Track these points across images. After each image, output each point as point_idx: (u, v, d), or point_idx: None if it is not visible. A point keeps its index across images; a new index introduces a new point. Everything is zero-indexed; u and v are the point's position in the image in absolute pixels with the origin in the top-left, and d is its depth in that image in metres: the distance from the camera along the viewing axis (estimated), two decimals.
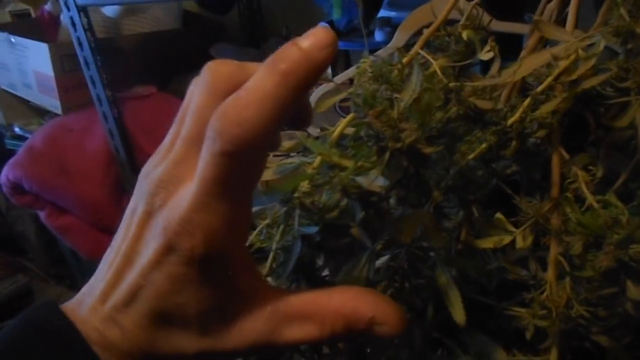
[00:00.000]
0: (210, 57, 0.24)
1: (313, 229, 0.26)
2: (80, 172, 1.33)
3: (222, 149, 0.19)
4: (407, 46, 0.31)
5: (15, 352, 0.21)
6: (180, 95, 0.27)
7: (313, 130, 0.37)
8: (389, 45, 0.79)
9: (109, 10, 1.30)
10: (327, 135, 0.29)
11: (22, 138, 1.42)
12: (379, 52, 0.72)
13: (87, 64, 1.21)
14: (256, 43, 1.49)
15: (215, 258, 0.21)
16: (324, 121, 0.33)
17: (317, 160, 0.27)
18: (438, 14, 0.32)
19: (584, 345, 0.28)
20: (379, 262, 0.30)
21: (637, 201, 0.27)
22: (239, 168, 0.20)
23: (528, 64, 0.27)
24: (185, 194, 0.21)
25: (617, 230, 0.25)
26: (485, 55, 0.28)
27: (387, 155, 0.26)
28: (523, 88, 0.30)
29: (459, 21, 0.31)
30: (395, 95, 0.27)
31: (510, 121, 0.28)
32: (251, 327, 0.22)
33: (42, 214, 1.39)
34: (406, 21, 0.76)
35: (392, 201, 0.31)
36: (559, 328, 0.27)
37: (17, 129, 1.44)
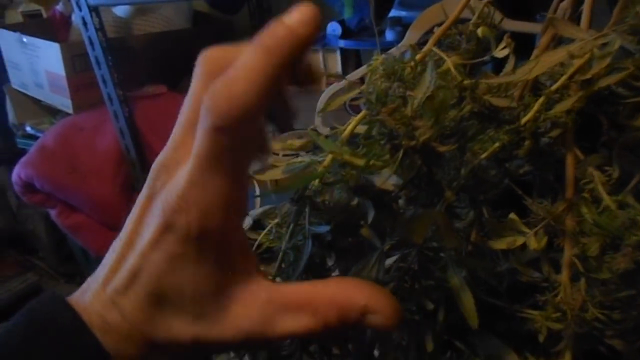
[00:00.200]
0: None
1: (324, 228, 0.26)
2: (91, 171, 1.34)
3: (213, 124, 0.20)
4: (419, 45, 0.30)
5: (18, 339, 0.21)
6: None
7: (323, 130, 0.36)
8: (400, 44, 0.79)
9: (120, 10, 1.30)
10: (338, 134, 0.28)
11: (33, 137, 1.43)
12: (390, 51, 0.72)
13: (98, 63, 1.21)
14: None
15: (211, 235, 0.21)
16: (334, 120, 0.33)
17: (328, 158, 0.27)
18: (449, 13, 0.31)
19: (597, 348, 0.28)
20: (389, 262, 0.29)
21: None
22: (231, 142, 0.20)
23: (544, 61, 0.27)
24: (182, 173, 0.21)
25: (635, 231, 0.24)
26: (500, 52, 0.28)
27: (400, 153, 0.25)
28: (535, 87, 0.29)
29: (469, 20, 0.31)
30: (409, 92, 0.26)
31: (523, 120, 0.27)
32: (245, 315, 0.22)
33: (53, 213, 1.40)
34: (417, 20, 0.75)
35: (402, 201, 0.31)
36: (574, 331, 0.26)
37: (28, 128, 1.45)
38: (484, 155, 0.28)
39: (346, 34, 1.16)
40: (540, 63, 0.26)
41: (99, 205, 1.36)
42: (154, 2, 1.37)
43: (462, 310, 0.26)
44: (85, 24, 1.17)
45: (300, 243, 0.27)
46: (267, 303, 0.22)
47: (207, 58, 0.23)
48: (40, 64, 1.32)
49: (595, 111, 0.27)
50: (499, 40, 0.30)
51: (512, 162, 0.29)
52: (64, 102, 1.34)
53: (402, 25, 1.05)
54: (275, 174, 0.27)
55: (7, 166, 1.63)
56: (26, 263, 1.74)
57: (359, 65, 1.23)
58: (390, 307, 0.22)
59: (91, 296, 0.22)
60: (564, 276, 0.27)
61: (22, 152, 1.37)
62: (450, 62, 0.27)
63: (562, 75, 0.27)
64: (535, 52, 0.30)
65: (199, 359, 0.26)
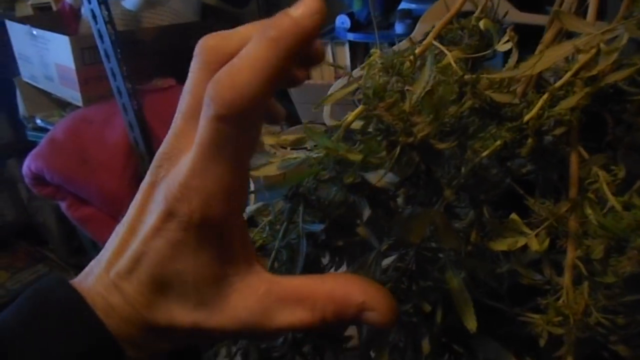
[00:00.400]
0: None
1: (318, 227, 0.26)
2: (100, 164, 1.34)
3: (216, 113, 0.20)
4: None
5: (23, 320, 0.22)
6: None
7: (331, 123, 0.36)
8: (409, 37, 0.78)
9: (129, 3, 1.30)
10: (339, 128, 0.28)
11: (43, 130, 1.43)
12: (400, 44, 0.71)
13: (107, 56, 1.21)
14: None
15: (213, 223, 0.21)
16: (343, 114, 0.32)
17: (323, 154, 0.26)
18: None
19: (600, 354, 0.27)
20: (386, 262, 0.29)
21: None
22: (233, 132, 0.20)
23: (549, 56, 0.26)
24: (185, 162, 0.21)
25: None
26: (502, 46, 0.27)
27: (397, 150, 0.25)
28: (539, 84, 0.28)
29: (473, 13, 0.30)
30: (407, 87, 0.26)
31: (526, 118, 0.26)
32: (244, 305, 0.22)
33: (63, 205, 1.41)
34: (427, 13, 0.74)
35: (399, 200, 0.30)
36: (575, 336, 0.25)
37: (38, 121, 1.45)
38: (485, 154, 0.27)
39: (355, 27, 1.15)
40: (544, 58, 0.25)
41: (108, 198, 1.37)
42: None
43: (460, 313, 0.25)
44: (94, 16, 1.17)
45: (294, 241, 0.26)
46: (266, 295, 0.22)
47: (205, 46, 0.23)
48: (50, 57, 1.32)
49: (600, 109, 0.26)
50: (504, 34, 0.29)
51: (514, 161, 0.28)
52: (73, 95, 1.34)
53: (412, 18, 1.04)
54: (270, 170, 0.27)
55: (18, 158, 1.64)
56: (37, 255, 1.76)
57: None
58: (387, 305, 0.22)
59: (94, 279, 0.23)
60: (566, 279, 0.26)
61: (33, 144, 1.38)
62: (451, 56, 0.26)
63: (567, 71, 0.26)
64: (540, 47, 0.29)
65: (198, 343, 0.26)
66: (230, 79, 0.20)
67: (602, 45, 0.25)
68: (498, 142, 0.27)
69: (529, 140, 0.27)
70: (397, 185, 0.28)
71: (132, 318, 0.22)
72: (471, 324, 0.25)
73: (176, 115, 0.23)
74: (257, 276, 0.23)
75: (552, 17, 0.27)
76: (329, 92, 0.31)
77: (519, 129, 0.27)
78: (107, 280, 0.22)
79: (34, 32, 1.31)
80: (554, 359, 0.26)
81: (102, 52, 1.21)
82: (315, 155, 0.27)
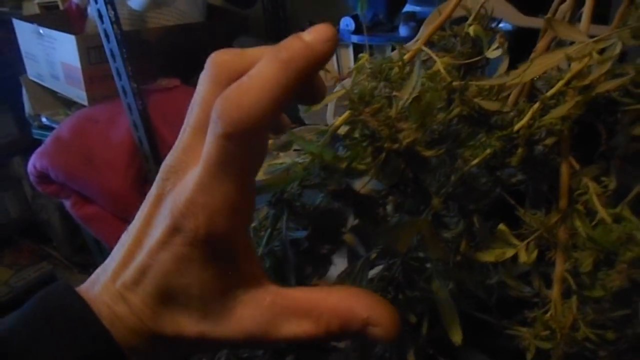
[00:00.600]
0: None
1: (301, 234, 0.25)
2: (104, 163, 1.34)
3: (224, 131, 0.20)
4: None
5: (29, 327, 0.22)
6: None
7: None
8: (413, 41, 0.77)
9: (135, 3, 1.30)
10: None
11: (49, 128, 1.44)
12: (406, 46, 0.70)
13: (113, 56, 1.22)
14: (279, 37, 1.48)
15: (218, 239, 0.22)
16: None
17: (309, 160, 0.26)
18: (465, 9, 0.30)
19: None
20: (373, 271, 0.28)
21: None
22: (240, 150, 0.21)
23: (539, 64, 0.25)
24: (191, 177, 0.22)
25: (631, 247, 0.23)
26: (492, 53, 0.26)
27: (382, 156, 0.24)
28: (532, 94, 0.28)
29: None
30: (395, 93, 0.25)
31: (517, 126, 0.26)
32: (250, 316, 0.22)
33: (67, 203, 1.42)
34: (431, 16, 0.73)
35: (389, 207, 0.30)
36: (563, 351, 0.25)
37: (44, 119, 1.46)
38: (474, 162, 0.26)
39: (359, 29, 1.14)
40: (535, 65, 0.24)
41: (111, 197, 1.37)
42: None
43: (446, 325, 0.25)
44: (100, 16, 1.17)
45: (277, 249, 0.26)
46: (271, 306, 0.23)
47: (216, 62, 0.23)
48: (56, 56, 1.33)
49: (593, 120, 0.25)
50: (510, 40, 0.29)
51: (504, 171, 0.27)
52: (79, 94, 1.35)
53: (416, 21, 1.03)
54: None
55: (23, 156, 1.65)
56: (41, 252, 1.77)
57: None
58: (391, 320, 0.22)
59: (100, 288, 0.23)
60: (555, 292, 0.25)
61: (38, 142, 1.39)
62: (439, 62, 0.26)
63: (559, 80, 0.25)
64: (533, 55, 0.28)
65: (204, 353, 0.27)
66: (238, 98, 0.20)
67: (594, 55, 0.24)
68: (488, 151, 0.26)
69: (520, 150, 0.26)
70: (383, 192, 0.27)
71: (137, 328, 0.22)
72: (456, 336, 0.24)
73: (183, 127, 0.24)
74: (263, 288, 0.23)
75: (545, 26, 0.27)
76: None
77: (510, 138, 0.26)
78: (113, 290, 0.23)
79: (41, 31, 1.32)
80: None
81: (107, 52, 1.22)
82: (301, 161, 0.26)
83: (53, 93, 1.46)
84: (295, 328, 0.22)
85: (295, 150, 0.28)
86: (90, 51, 1.30)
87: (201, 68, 0.24)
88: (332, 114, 0.78)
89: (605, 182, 0.24)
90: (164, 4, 1.32)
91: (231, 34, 1.37)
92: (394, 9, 1.11)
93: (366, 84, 0.26)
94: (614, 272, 0.23)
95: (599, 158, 0.26)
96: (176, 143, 0.24)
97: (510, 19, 0.71)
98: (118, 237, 0.24)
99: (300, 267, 0.26)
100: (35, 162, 1.34)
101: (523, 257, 0.25)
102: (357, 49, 1.21)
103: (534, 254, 0.25)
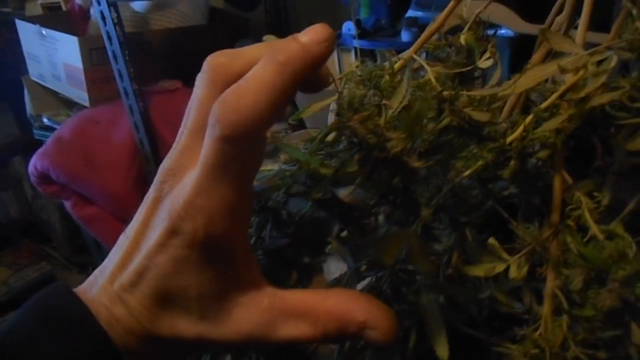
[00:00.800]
0: None
1: (284, 241, 0.25)
2: (105, 164, 1.35)
3: (221, 133, 0.20)
4: None
5: (27, 329, 0.22)
6: None
7: None
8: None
9: (138, 6, 1.31)
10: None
11: (50, 129, 1.45)
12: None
13: (115, 57, 1.22)
14: None
15: (216, 242, 0.22)
16: None
17: (296, 167, 0.26)
18: (468, 15, 0.29)
19: None
20: (363, 282, 0.28)
21: None
22: (237, 153, 0.21)
23: (531, 75, 0.25)
24: (189, 180, 0.22)
25: (623, 265, 0.22)
26: (483, 63, 0.26)
27: (369, 165, 0.24)
28: (527, 106, 0.27)
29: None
30: (385, 101, 0.25)
31: (509, 139, 0.25)
32: (247, 318, 0.22)
33: (67, 204, 1.42)
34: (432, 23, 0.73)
35: (381, 218, 0.29)
36: None
37: (45, 120, 1.47)
38: (466, 174, 0.26)
39: (361, 34, 1.14)
40: (527, 77, 0.24)
41: (112, 198, 1.37)
42: None
43: (432, 339, 0.24)
44: (103, 18, 1.18)
45: (261, 257, 0.25)
46: (269, 308, 0.23)
47: (214, 64, 0.23)
48: (59, 57, 1.34)
49: (589, 134, 0.25)
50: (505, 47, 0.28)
51: (496, 183, 0.27)
52: (80, 95, 1.35)
53: (418, 26, 1.03)
54: None
55: (24, 156, 1.66)
56: (40, 252, 1.77)
57: None
58: (388, 324, 0.23)
59: (98, 290, 0.23)
60: (545, 309, 0.25)
61: (39, 143, 1.39)
62: (430, 71, 0.25)
63: (553, 93, 0.25)
64: (528, 66, 0.28)
65: (201, 355, 0.27)
66: (236, 101, 0.20)
67: (590, 67, 0.24)
68: (479, 163, 0.26)
69: (512, 162, 0.26)
70: (374, 202, 0.27)
71: (135, 330, 0.22)
72: (442, 351, 0.24)
73: (181, 130, 0.24)
74: (261, 290, 0.23)
75: (541, 38, 0.26)
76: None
77: (502, 150, 0.26)
78: (111, 291, 0.23)
79: (43, 32, 1.32)
80: None
81: (110, 53, 1.22)
82: (288, 168, 0.26)
83: (54, 94, 1.46)
84: (292, 330, 0.22)
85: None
86: (93, 52, 1.31)
87: None
88: (333, 118, 0.77)
89: (598, 197, 0.24)
90: (167, 6, 1.32)
91: (233, 37, 1.37)
92: (396, 14, 1.11)
93: (356, 91, 0.26)
94: (605, 291, 0.22)
95: (594, 173, 0.25)
96: (174, 146, 0.24)
97: (511, 26, 0.70)
98: (117, 238, 0.24)
99: (284, 276, 0.26)
100: (36, 162, 1.34)
101: (513, 273, 0.25)
102: (360, 53, 1.21)
103: (524, 270, 0.25)
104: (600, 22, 0.33)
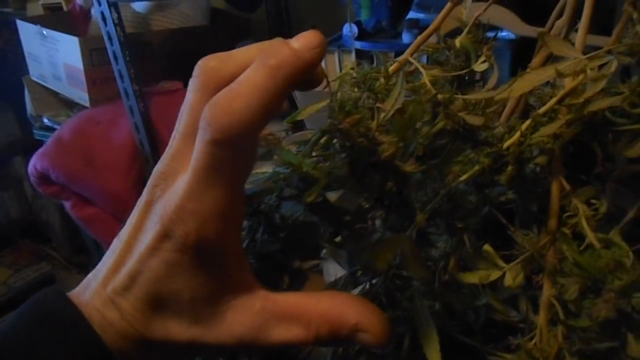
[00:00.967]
0: None
1: (275, 246, 0.24)
2: (105, 165, 1.34)
3: (212, 137, 0.20)
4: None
5: (21, 332, 0.22)
6: None
7: None
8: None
9: (139, 6, 1.31)
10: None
11: (50, 129, 1.44)
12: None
13: (115, 58, 1.22)
14: None
15: (208, 245, 0.22)
16: None
17: (290, 171, 0.25)
18: (468, 17, 0.29)
19: None
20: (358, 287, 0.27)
21: None
22: (228, 156, 0.21)
23: (528, 79, 0.24)
24: (181, 183, 0.22)
25: (619, 275, 0.22)
26: (479, 66, 0.25)
27: (360, 169, 0.23)
28: (526, 111, 0.27)
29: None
30: (378, 104, 0.24)
31: (507, 143, 0.25)
32: (240, 321, 0.22)
33: (67, 205, 1.42)
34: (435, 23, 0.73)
35: (378, 223, 0.29)
36: None
37: (46, 120, 1.47)
38: (462, 179, 0.25)
39: (362, 35, 1.14)
40: (523, 81, 0.23)
41: (112, 199, 1.37)
42: None
43: (424, 346, 0.24)
44: (104, 18, 1.18)
45: (252, 261, 0.25)
46: (262, 311, 0.23)
47: (205, 68, 0.23)
48: (59, 57, 1.34)
49: (589, 140, 0.24)
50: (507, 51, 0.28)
51: (493, 189, 0.26)
52: (81, 96, 1.35)
53: (420, 28, 1.03)
54: None
55: (24, 156, 1.66)
56: (40, 252, 1.77)
57: None
58: (381, 327, 0.22)
59: (91, 293, 0.23)
60: (541, 318, 0.24)
61: (39, 143, 1.39)
62: (425, 74, 0.25)
63: (552, 97, 0.24)
64: (527, 69, 0.27)
65: (194, 357, 0.27)
66: (227, 104, 0.20)
67: (589, 72, 0.23)
68: (476, 168, 0.25)
69: (509, 168, 0.25)
70: (368, 207, 0.26)
71: (128, 333, 0.22)
72: (434, 357, 0.23)
73: (173, 134, 0.24)
74: (253, 293, 0.23)
75: (540, 42, 0.26)
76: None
77: (499, 155, 0.25)
78: (104, 295, 0.23)
79: (44, 32, 1.32)
80: None
81: (110, 54, 1.22)
82: (282, 171, 0.25)
83: (55, 94, 1.46)
84: (285, 333, 0.22)
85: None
86: (93, 53, 1.31)
87: None
88: None
89: (596, 205, 0.23)
90: (168, 7, 1.32)
91: (234, 38, 1.37)
92: (397, 15, 1.10)
93: (350, 93, 0.25)
94: (601, 301, 0.22)
95: (594, 179, 0.25)
96: (166, 150, 0.23)
97: (512, 28, 0.70)
98: None
99: (276, 280, 0.25)
100: (36, 163, 1.34)
101: (509, 281, 0.24)
102: (360, 54, 1.20)
103: (520, 278, 0.24)
104: (602, 26, 0.32)
